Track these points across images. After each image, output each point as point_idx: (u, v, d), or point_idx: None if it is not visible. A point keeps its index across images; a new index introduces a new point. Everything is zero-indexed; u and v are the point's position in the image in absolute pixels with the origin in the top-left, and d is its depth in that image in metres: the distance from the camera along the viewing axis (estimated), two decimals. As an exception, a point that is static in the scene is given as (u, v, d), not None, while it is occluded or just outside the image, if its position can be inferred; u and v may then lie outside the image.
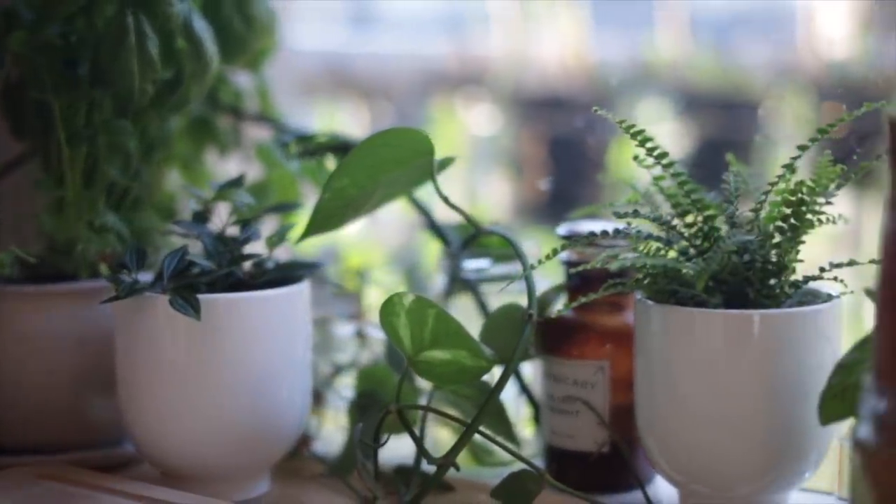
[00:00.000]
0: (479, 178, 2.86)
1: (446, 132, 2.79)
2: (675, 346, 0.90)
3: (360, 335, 1.18)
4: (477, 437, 0.93)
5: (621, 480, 1.02)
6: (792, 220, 0.90)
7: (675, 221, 0.93)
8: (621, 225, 0.92)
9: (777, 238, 0.91)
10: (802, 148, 0.90)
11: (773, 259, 0.91)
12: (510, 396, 1.10)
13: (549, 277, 1.09)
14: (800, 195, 0.90)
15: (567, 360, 1.02)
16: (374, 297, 1.22)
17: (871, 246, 0.78)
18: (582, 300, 0.91)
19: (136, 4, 1.02)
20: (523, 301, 0.96)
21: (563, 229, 1.03)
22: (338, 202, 0.98)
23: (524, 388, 1.10)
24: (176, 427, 0.98)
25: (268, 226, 1.10)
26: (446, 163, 1.02)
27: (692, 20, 3.03)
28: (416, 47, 3.10)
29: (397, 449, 1.02)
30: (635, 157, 0.94)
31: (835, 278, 0.90)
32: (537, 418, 1.08)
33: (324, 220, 1.00)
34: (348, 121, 2.91)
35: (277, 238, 1.01)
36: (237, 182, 1.06)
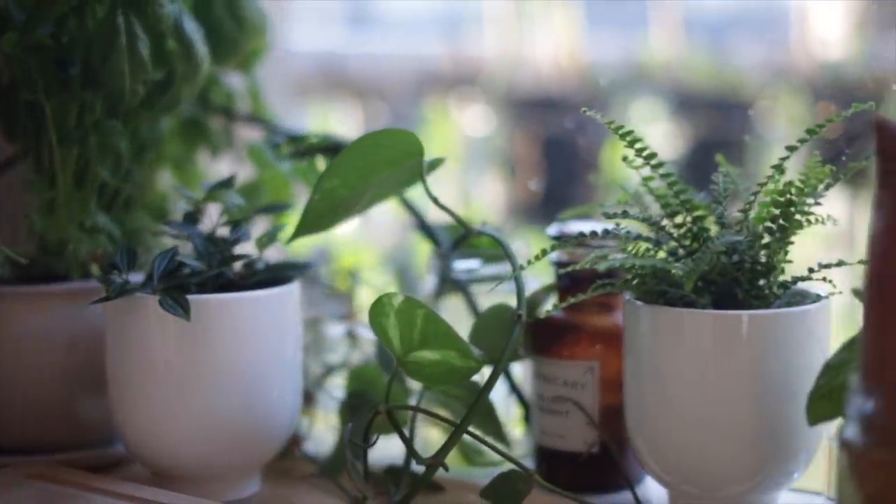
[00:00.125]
0: (472, 178, 2.86)
1: (440, 132, 2.80)
2: (664, 346, 0.90)
3: (351, 335, 1.18)
4: (467, 437, 0.93)
5: (611, 481, 1.02)
6: (781, 221, 0.90)
7: (665, 222, 0.93)
8: (611, 225, 0.92)
9: (766, 238, 0.91)
10: (791, 149, 0.90)
11: (762, 259, 0.91)
12: (500, 397, 1.10)
13: (540, 278, 1.09)
14: (788, 196, 0.90)
15: (557, 360, 1.02)
16: (365, 298, 1.22)
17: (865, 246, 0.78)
18: (571, 301, 0.92)
19: (127, 6, 1.02)
20: (513, 301, 0.96)
21: (553, 230, 1.03)
22: (328, 203, 0.98)
23: (514, 389, 1.10)
24: (167, 427, 0.98)
25: (259, 226, 1.10)
26: (436, 163, 1.02)
27: (686, 20, 3.03)
28: (410, 48, 3.10)
29: (388, 449, 1.02)
30: (624, 158, 0.94)
31: (824, 279, 0.90)
32: (527, 418, 1.09)
33: (314, 221, 1.00)
34: (342, 121, 2.91)
35: (267, 239, 1.02)
36: (227, 183, 1.06)
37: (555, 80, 2.95)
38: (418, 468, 0.92)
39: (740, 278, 0.90)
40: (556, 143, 2.71)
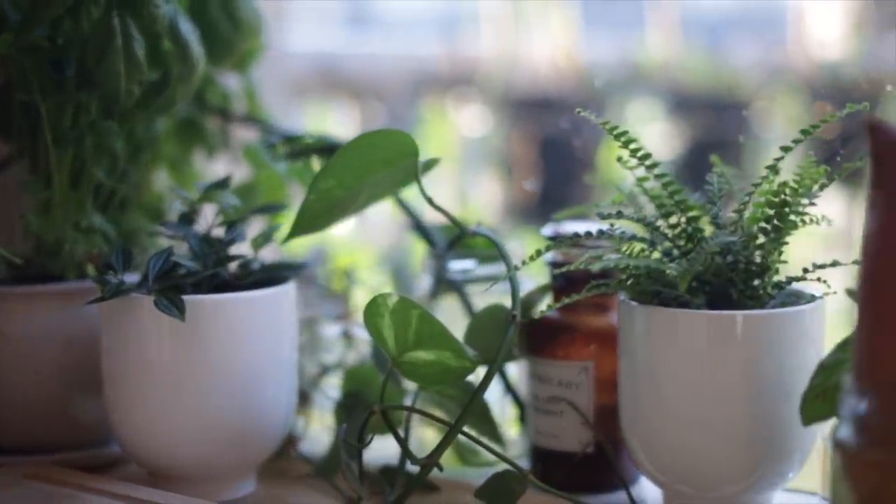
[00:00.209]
0: (469, 178, 2.86)
1: (437, 133, 2.80)
2: (659, 346, 0.90)
3: (347, 336, 1.18)
4: (463, 437, 0.93)
5: (606, 481, 1.02)
6: (775, 221, 0.90)
7: (659, 222, 0.93)
8: (605, 226, 0.92)
9: (761, 239, 0.91)
10: (785, 149, 0.90)
11: (757, 260, 0.91)
12: (495, 397, 1.10)
13: (536, 278, 1.09)
14: (783, 196, 0.90)
15: (552, 360, 1.02)
16: (361, 298, 1.22)
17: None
18: (565, 301, 0.92)
19: (123, 6, 1.02)
20: (508, 302, 0.96)
21: (548, 230, 1.03)
22: (324, 203, 0.99)
23: (509, 389, 1.10)
24: (162, 427, 0.98)
25: (255, 227, 1.10)
26: (431, 164, 1.02)
27: (683, 21, 3.03)
28: (407, 48, 3.10)
29: (383, 449, 1.02)
30: (619, 159, 0.94)
31: (818, 279, 0.90)
32: (523, 418, 1.09)
33: (310, 221, 1.00)
34: (340, 122, 2.92)
35: (262, 239, 1.02)
36: (223, 183, 1.06)
37: (551, 81, 2.95)
38: (413, 468, 0.92)
39: (735, 279, 0.90)
40: (553, 143, 2.71)
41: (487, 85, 2.94)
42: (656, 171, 0.92)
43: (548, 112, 2.81)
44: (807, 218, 0.90)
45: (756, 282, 0.91)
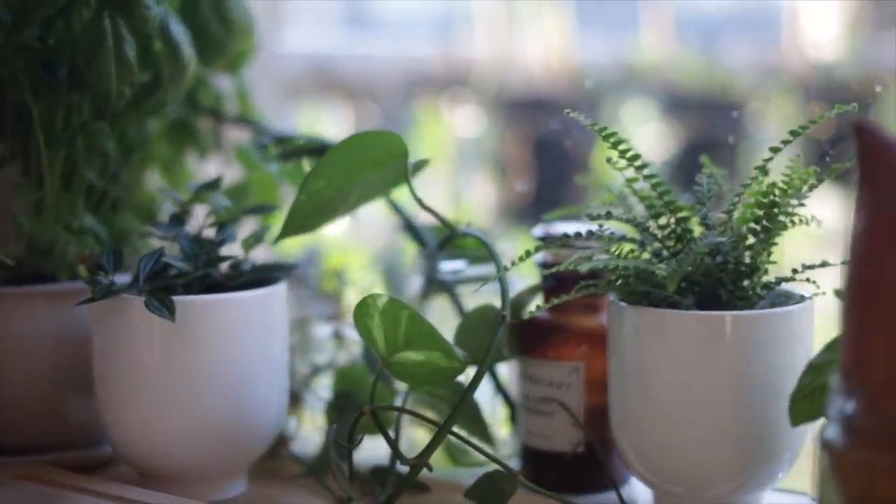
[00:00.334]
0: (463, 179, 2.86)
1: (431, 133, 2.80)
2: (648, 347, 0.90)
3: (338, 336, 1.18)
4: (454, 437, 0.93)
5: (596, 481, 1.02)
6: (764, 222, 0.91)
7: (649, 223, 0.93)
8: (595, 226, 0.92)
9: (750, 240, 0.91)
10: (774, 150, 0.90)
11: (746, 260, 0.91)
12: (486, 397, 1.10)
13: (527, 279, 1.09)
14: (772, 197, 0.90)
15: (542, 361, 1.02)
16: (353, 298, 1.22)
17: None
18: (554, 301, 0.92)
19: (114, 8, 1.02)
20: (499, 302, 0.96)
21: (538, 231, 1.03)
22: (314, 203, 0.99)
23: (500, 389, 1.10)
24: (153, 428, 0.98)
25: (247, 227, 1.10)
26: (421, 165, 1.03)
27: (677, 21, 3.03)
28: (402, 49, 3.10)
29: (374, 449, 1.02)
30: (608, 160, 0.94)
31: (808, 279, 0.90)
32: (513, 419, 1.09)
33: (300, 222, 1.00)
34: (334, 122, 2.92)
35: (253, 240, 1.02)
36: (214, 184, 1.06)
37: (545, 81, 2.95)
38: (403, 468, 0.92)
39: (724, 279, 0.90)
40: (547, 143, 2.71)
41: (481, 86, 2.94)
42: (645, 171, 0.93)
43: (542, 113, 2.81)
44: (796, 218, 0.90)
45: (745, 282, 0.91)
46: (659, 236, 0.92)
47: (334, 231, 1.22)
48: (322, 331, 1.20)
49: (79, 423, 1.08)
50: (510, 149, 2.89)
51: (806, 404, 0.86)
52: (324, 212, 1.01)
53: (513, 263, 0.93)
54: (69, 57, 1.05)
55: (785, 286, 0.93)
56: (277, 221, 1.04)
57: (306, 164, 1.21)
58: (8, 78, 1.05)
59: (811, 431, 0.92)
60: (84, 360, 1.04)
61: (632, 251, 0.92)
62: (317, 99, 2.98)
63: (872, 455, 0.68)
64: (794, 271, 0.90)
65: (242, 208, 1.09)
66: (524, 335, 1.03)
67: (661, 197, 0.92)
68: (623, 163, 0.93)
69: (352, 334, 1.18)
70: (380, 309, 0.89)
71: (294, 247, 1.31)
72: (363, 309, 0.89)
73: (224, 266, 1.02)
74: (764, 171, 0.91)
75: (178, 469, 0.99)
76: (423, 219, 1.14)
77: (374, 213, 1.25)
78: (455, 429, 0.92)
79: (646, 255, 0.93)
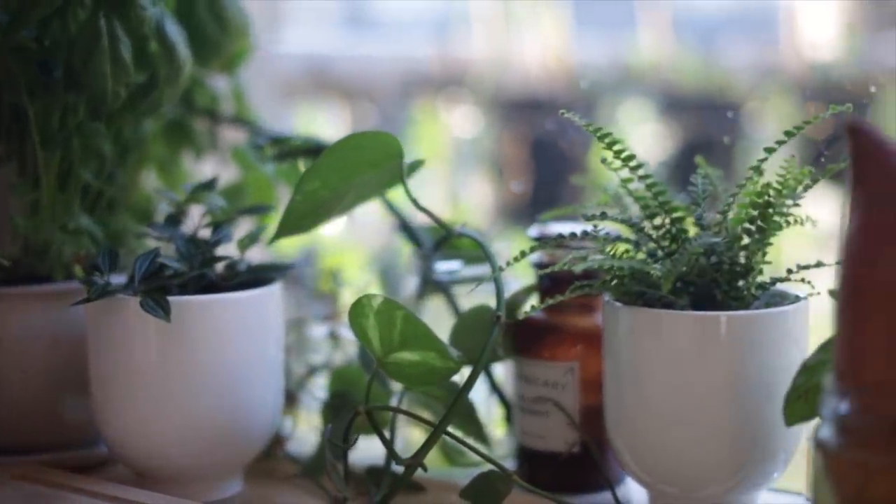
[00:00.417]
0: (460, 179, 2.86)
1: (428, 134, 2.80)
2: (643, 347, 0.90)
3: (334, 336, 1.18)
4: (449, 437, 0.93)
5: (591, 481, 1.02)
6: (759, 222, 0.91)
7: (644, 223, 0.93)
8: (590, 227, 0.92)
9: (745, 240, 0.91)
10: (769, 150, 0.90)
11: (741, 261, 0.91)
12: (481, 397, 1.10)
13: (523, 279, 1.09)
14: (767, 197, 0.90)
15: (538, 361, 1.02)
16: (349, 298, 1.22)
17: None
18: (549, 302, 0.92)
19: (109, 8, 1.02)
20: (494, 302, 0.96)
21: (533, 231, 1.03)
22: (310, 204, 0.99)
23: (495, 389, 1.10)
24: (149, 428, 0.98)
25: (243, 228, 1.10)
26: (416, 165, 1.03)
27: (675, 21, 3.03)
28: (399, 49, 3.10)
29: (370, 449, 1.02)
30: (603, 160, 0.94)
31: (802, 280, 0.90)
32: (509, 419, 1.09)
33: (296, 222, 1.00)
34: (331, 123, 2.92)
35: (249, 240, 1.02)
36: (209, 184, 1.06)
37: (543, 82, 2.95)
38: (399, 468, 0.92)
39: (719, 279, 0.90)
40: (544, 144, 2.71)
41: (479, 86, 2.94)
42: (640, 172, 0.93)
43: (539, 113, 2.81)
44: (791, 219, 0.91)
45: (740, 283, 0.91)
46: (654, 236, 0.92)
47: (330, 231, 1.22)
48: (318, 331, 1.20)
49: (75, 424, 1.08)
50: (507, 149, 2.89)
51: (800, 404, 0.86)
52: (319, 212, 1.01)
53: (508, 264, 0.93)
54: (65, 57, 1.05)
55: (780, 286, 0.93)
56: (273, 222, 1.04)
57: (302, 165, 1.21)
58: (4, 78, 1.05)
59: (806, 431, 0.92)
60: (80, 360, 1.04)
61: (627, 251, 0.92)
62: (313, 99, 2.98)
63: (866, 455, 0.68)
64: (789, 271, 0.90)
65: (238, 209, 1.09)
66: (519, 335, 1.03)
67: (656, 197, 0.92)
68: (618, 163, 0.93)
69: (347, 334, 1.18)
70: (375, 309, 0.89)
71: (290, 247, 1.31)
72: (358, 309, 0.89)
73: (220, 266, 1.02)
74: (759, 171, 0.91)
75: (174, 469, 0.99)
76: (418, 219, 1.14)
77: (371, 213, 1.25)
78: (450, 429, 0.92)
79: (641, 256, 0.93)
